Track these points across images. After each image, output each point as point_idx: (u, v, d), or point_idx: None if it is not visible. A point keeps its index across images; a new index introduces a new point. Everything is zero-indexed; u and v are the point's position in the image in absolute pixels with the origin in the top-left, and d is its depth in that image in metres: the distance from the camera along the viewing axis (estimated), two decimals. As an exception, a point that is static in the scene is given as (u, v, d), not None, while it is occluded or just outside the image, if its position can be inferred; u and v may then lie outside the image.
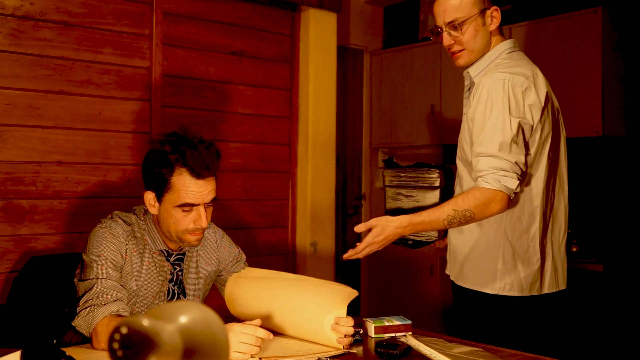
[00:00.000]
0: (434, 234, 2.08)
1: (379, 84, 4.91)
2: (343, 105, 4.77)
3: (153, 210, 1.85)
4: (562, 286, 2.03)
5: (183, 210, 1.78)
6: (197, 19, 3.53)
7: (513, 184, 1.82)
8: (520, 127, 1.86)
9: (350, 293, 1.77)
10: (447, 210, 1.86)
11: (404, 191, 2.09)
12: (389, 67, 4.83)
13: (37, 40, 2.97)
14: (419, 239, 2.07)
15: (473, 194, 1.84)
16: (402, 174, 2.09)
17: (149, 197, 1.83)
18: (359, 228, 1.90)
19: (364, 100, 4.98)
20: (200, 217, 1.79)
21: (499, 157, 1.83)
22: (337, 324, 1.72)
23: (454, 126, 4.34)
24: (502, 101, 1.86)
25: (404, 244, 2.09)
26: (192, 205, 1.78)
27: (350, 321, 1.73)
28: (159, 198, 1.81)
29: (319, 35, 3.97)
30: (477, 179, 1.86)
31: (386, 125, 4.85)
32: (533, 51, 3.74)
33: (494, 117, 1.86)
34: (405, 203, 2.09)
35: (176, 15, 3.44)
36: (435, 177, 2.07)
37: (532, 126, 1.90)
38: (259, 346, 1.59)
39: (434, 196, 2.08)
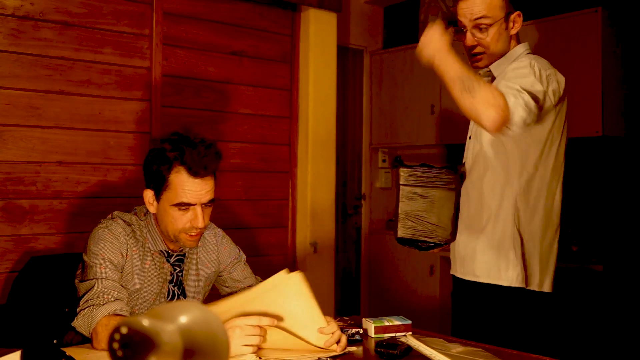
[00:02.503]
0: (446, 237, 2.06)
1: (379, 84, 4.91)
2: (343, 105, 4.77)
3: (152, 209, 1.85)
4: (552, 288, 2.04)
5: (180, 209, 1.78)
6: (197, 19, 3.53)
7: (522, 113, 1.72)
8: (545, 94, 1.84)
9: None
10: (466, 70, 1.75)
11: (419, 190, 2.06)
12: (389, 67, 4.83)
13: (37, 40, 2.97)
14: (430, 240, 2.06)
15: (492, 89, 1.73)
16: (419, 173, 2.06)
17: (148, 195, 1.83)
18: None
19: (364, 100, 4.98)
20: (197, 217, 1.78)
21: (523, 93, 1.76)
22: (321, 332, 1.68)
23: (454, 126, 4.34)
24: (529, 72, 1.85)
25: (415, 246, 2.08)
26: (188, 204, 1.77)
27: (333, 323, 1.69)
28: (157, 196, 1.81)
29: (319, 35, 3.97)
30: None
31: (386, 125, 4.85)
32: (533, 51, 3.73)
33: (519, 75, 1.84)
34: (420, 203, 2.06)
35: (176, 15, 3.44)
36: (452, 179, 2.06)
37: (551, 105, 1.90)
38: (263, 335, 1.59)
39: (450, 197, 2.06)
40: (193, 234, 1.82)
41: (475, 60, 2.05)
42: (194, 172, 1.75)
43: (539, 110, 1.83)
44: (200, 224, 1.79)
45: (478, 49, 2.02)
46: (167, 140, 1.80)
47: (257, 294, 1.70)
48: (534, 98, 1.79)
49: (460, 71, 1.75)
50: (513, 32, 2.03)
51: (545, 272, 2.01)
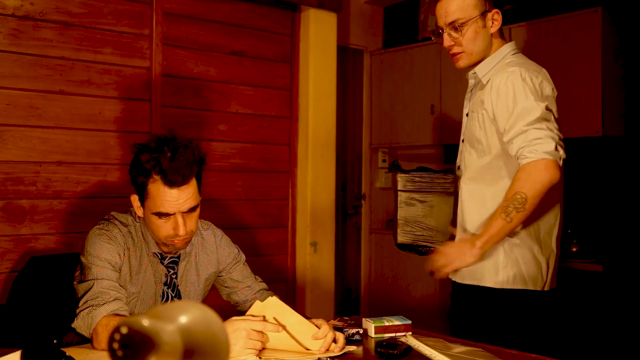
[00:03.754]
0: (444, 241, 2.07)
1: (379, 84, 4.91)
2: (343, 105, 4.77)
3: (139, 213, 1.83)
4: (554, 284, 2.04)
5: (160, 218, 1.75)
6: (197, 19, 3.53)
7: (550, 146, 1.80)
8: (547, 109, 1.87)
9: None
10: (500, 204, 1.85)
11: (417, 196, 2.07)
12: (389, 67, 4.83)
13: (37, 40, 2.97)
14: (430, 245, 2.06)
15: (516, 175, 1.84)
16: (417, 178, 2.06)
17: (135, 200, 1.82)
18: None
19: (364, 100, 4.98)
20: (178, 226, 1.75)
21: (528, 129, 1.82)
22: (315, 338, 1.69)
23: (454, 126, 4.34)
24: (523, 89, 1.88)
25: (415, 251, 2.08)
26: (167, 214, 1.74)
27: (324, 326, 1.70)
28: (142, 203, 1.80)
29: (319, 35, 3.97)
30: (517, 162, 1.86)
31: (386, 125, 4.85)
32: (533, 51, 3.73)
33: (519, 105, 1.87)
34: (419, 208, 2.06)
35: (176, 15, 3.44)
36: (450, 182, 2.06)
37: (554, 114, 1.92)
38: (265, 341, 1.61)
39: (448, 201, 2.06)
40: (178, 240, 1.80)
41: (455, 60, 2.05)
42: (169, 182, 1.70)
43: (556, 121, 1.88)
44: (182, 231, 1.76)
45: (455, 49, 2.02)
46: (145, 149, 1.75)
47: None
48: (543, 118, 1.84)
49: (499, 221, 1.84)
50: (493, 30, 2.01)
51: (548, 270, 2.01)
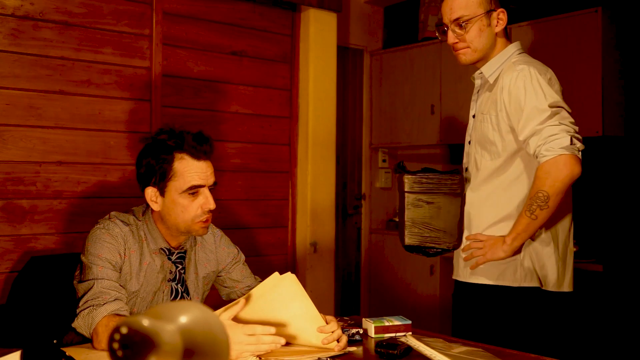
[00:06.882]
0: (453, 243, 2.07)
1: (379, 84, 4.91)
2: (343, 105, 4.77)
3: (156, 207, 1.84)
4: (572, 287, 2.05)
5: (190, 194, 1.80)
6: (197, 19, 3.53)
7: (566, 140, 1.82)
8: (557, 104, 1.88)
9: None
10: (526, 203, 1.88)
11: (425, 197, 2.06)
12: (389, 67, 4.83)
13: (37, 40, 2.97)
14: (438, 247, 2.06)
15: (536, 174, 1.86)
16: (424, 180, 2.06)
17: (150, 193, 1.83)
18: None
19: (364, 100, 4.98)
20: (208, 199, 1.81)
21: (542, 128, 1.84)
22: (321, 331, 1.71)
23: (454, 126, 4.34)
24: (532, 87, 1.89)
25: (423, 252, 2.08)
26: (199, 186, 1.80)
27: (333, 322, 1.72)
28: (162, 190, 1.81)
29: (319, 35, 3.97)
30: (537, 160, 1.87)
31: (386, 125, 4.85)
32: (533, 51, 3.73)
33: (529, 103, 1.88)
34: (426, 210, 2.06)
35: (176, 15, 3.44)
36: (457, 183, 2.06)
37: (565, 108, 1.92)
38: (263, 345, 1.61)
39: (455, 202, 2.06)
40: (205, 219, 1.84)
41: (458, 55, 2.06)
42: (197, 156, 1.80)
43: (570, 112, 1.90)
44: (212, 205, 1.82)
45: (460, 45, 2.04)
46: (162, 132, 1.84)
47: (254, 298, 1.71)
48: (554, 113, 1.85)
49: (525, 219, 1.88)
50: (498, 29, 2.03)
51: (564, 271, 2.01)
